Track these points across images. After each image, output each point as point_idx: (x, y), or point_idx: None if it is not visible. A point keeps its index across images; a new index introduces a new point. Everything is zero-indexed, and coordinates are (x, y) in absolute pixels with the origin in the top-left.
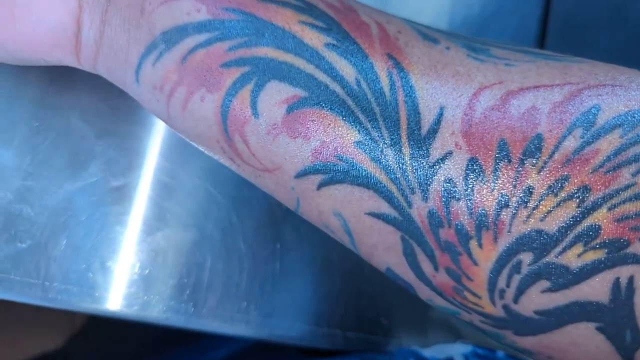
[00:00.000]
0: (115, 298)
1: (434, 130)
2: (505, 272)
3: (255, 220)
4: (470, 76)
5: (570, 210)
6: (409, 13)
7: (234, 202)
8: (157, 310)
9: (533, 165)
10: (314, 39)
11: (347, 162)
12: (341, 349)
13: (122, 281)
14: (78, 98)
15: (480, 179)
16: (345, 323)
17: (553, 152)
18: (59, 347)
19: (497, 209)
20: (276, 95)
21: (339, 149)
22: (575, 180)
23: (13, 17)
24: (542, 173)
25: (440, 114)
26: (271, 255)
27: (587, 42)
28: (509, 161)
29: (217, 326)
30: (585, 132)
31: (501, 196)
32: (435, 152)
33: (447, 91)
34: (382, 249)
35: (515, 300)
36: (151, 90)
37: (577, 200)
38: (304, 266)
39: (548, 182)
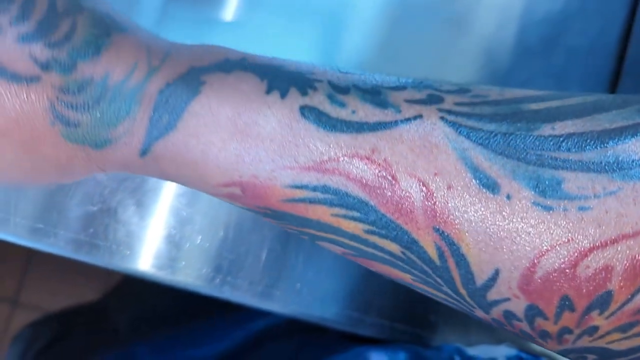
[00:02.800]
0: (180, 268)
1: (489, 285)
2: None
3: None
4: (531, 237)
5: None
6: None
7: None
8: (215, 284)
9: (600, 315)
10: (352, 227)
11: None
12: (387, 339)
13: (188, 253)
14: None
15: (541, 316)
16: (395, 315)
17: (623, 305)
18: (97, 299)
19: (560, 334)
20: None
21: None
22: None
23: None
24: (609, 319)
25: (496, 274)
26: None
27: None
28: (573, 310)
29: (271, 305)
30: None
31: (564, 328)
32: (492, 296)
33: (504, 256)
34: None
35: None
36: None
37: None
38: None
39: (616, 325)
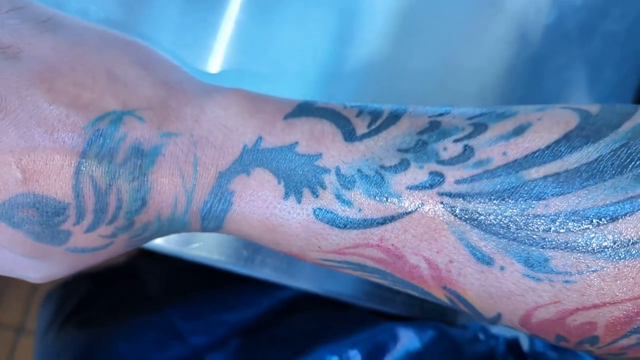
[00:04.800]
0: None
1: (496, 319)
2: None
3: None
4: (524, 297)
5: None
6: None
7: None
8: (241, 261)
9: (591, 346)
10: (375, 279)
11: None
12: (416, 316)
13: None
14: None
15: (544, 339)
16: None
17: (610, 344)
18: (126, 262)
19: (564, 347)
20: None
21: None
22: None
23: None
24: (601, 349)
25: (499, 316)
26: None
27: None
28: (567, 341)
29: (299, 282)
30: None
31: (566, 347)
32: (502, 324)
33: (503, 306)
34: None
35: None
36: None
37: None
38: None
39: (610, 352)
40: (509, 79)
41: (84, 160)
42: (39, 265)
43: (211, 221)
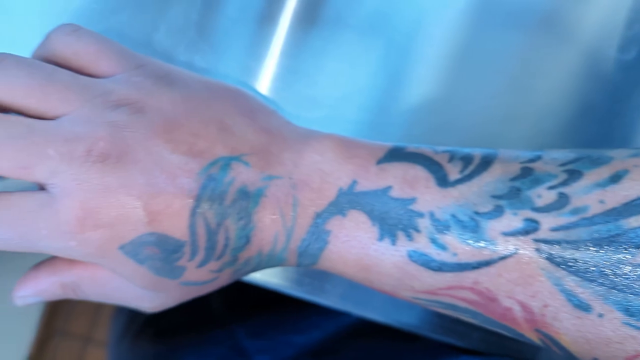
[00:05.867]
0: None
1: None
2: None
3: None
4: (623, 344)
5: None
6: None
7: None
8: (304, 287)
9: None
10: (466, 318)
11: None
12: (490, 352)
13: None
14: None
15: None
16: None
17: None
18: None
19: None
20: None
21: None
22: None
23: None
24: None
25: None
26: None
27: None
28: None
29: (364, 311)
30: None
31: None
32: None
33: (599, 352)
34: None
35: None
36: None
37: None
38: None
39: None
40: (585, 117)
41: (198, 202)
42: (154, 296)
43: (307, 258)
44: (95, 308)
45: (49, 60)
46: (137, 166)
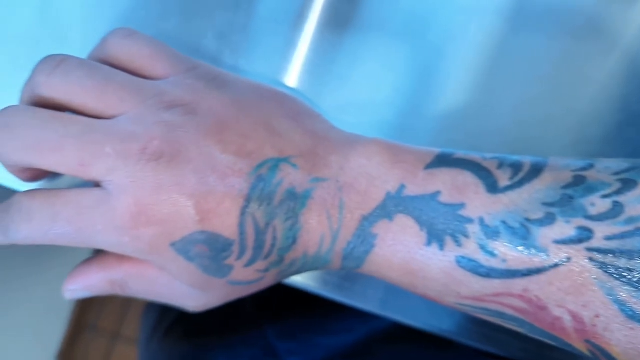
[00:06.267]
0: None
1: None
2: None
3: None
4: None
5: None
6: None
7: None
8: (337, 288)
9: None
10: (510, 326)
11: None
12: (515, 358)
13: None
14: None
15: None
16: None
17: None
18: None
19: None
20: None
21: None
22: None
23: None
24: None
25: None
26: None
27: None
28: None
29: (398, 315)
30: None
31: None
32: None
33: None
34: None
35: None
36: None
37: None
38: None
39: None
40: (630, 125)
41: (248, 202)
42: (199, 295)
43: (352, 261)
44: (124, 305)
45: (105, 62)
46: (190, 165)
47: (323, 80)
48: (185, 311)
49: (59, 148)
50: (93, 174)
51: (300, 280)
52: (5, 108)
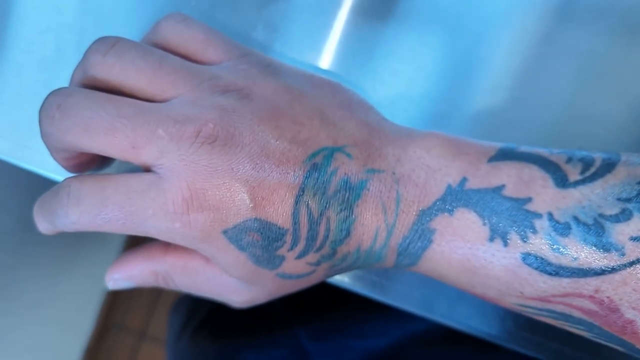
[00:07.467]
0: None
1: None
2: None
3: None
4: None
5: None
6: None
7: None
8: (374, 286)
9: None
10: (577, 331)
11: None
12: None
13: None
14: None
15: None
16: (555, 334)
17: None
18: None
19: None
20: None
21: None
22: None
23: None
24: None
25: None
26: None
27: None
28: None
29: (432, 314)
30: None
31: None
32: None
33: None
34: None
35: None
36: None
37: None
38: None
39: None
40: None
41: (302, 191)
42: (247, 289)
43: (407, 257)
44: (151, 304)
45: (158, 46)
46: (244, 150)
47: (354, 73)
48: (214, 309)
49: (111, 129)
50: (144, 157)
51: (343, 279)
52: (58, 89)
